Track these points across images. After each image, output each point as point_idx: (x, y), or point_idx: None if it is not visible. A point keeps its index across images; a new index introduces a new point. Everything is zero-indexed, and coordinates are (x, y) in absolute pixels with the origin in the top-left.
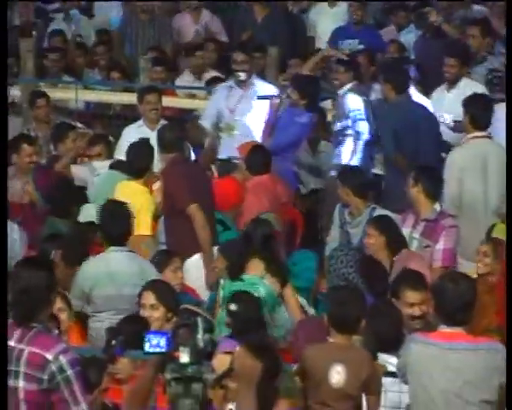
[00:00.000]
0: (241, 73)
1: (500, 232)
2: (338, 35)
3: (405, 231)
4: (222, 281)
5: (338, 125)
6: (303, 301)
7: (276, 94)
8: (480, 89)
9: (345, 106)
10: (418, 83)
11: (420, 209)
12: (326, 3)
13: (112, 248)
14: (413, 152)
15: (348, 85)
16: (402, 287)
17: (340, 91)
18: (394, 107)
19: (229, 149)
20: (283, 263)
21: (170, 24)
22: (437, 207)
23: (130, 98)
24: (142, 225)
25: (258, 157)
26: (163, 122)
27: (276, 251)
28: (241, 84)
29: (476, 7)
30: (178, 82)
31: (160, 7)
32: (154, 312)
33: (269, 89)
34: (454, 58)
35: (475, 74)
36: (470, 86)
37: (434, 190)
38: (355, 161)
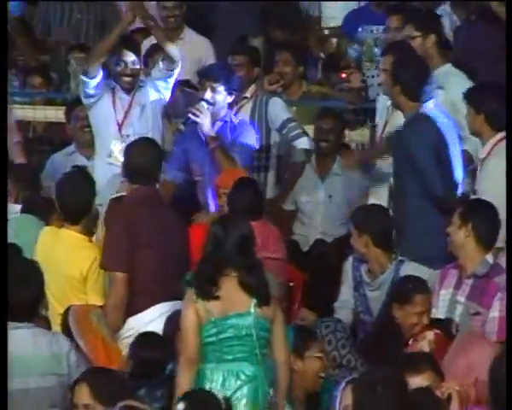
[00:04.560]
0: (126, 78)
1: None
2: (354, 20)
3: (446, 292)
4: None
5: None
6: None
7: None
8: None
9: None
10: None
11: (466, 261)
12: None
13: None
14: None
15: None
16: None
17: None
18: None
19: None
20: (265, 279)
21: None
22: (489, 258)
23: (57, 114)
24: (94, 290)
25: (246, 196)
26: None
27: (257, 260)
28: (128, 89)
29: None
30: None
31: None
32: None
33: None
34: None
35: None
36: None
37: (489, 235)
38: None
